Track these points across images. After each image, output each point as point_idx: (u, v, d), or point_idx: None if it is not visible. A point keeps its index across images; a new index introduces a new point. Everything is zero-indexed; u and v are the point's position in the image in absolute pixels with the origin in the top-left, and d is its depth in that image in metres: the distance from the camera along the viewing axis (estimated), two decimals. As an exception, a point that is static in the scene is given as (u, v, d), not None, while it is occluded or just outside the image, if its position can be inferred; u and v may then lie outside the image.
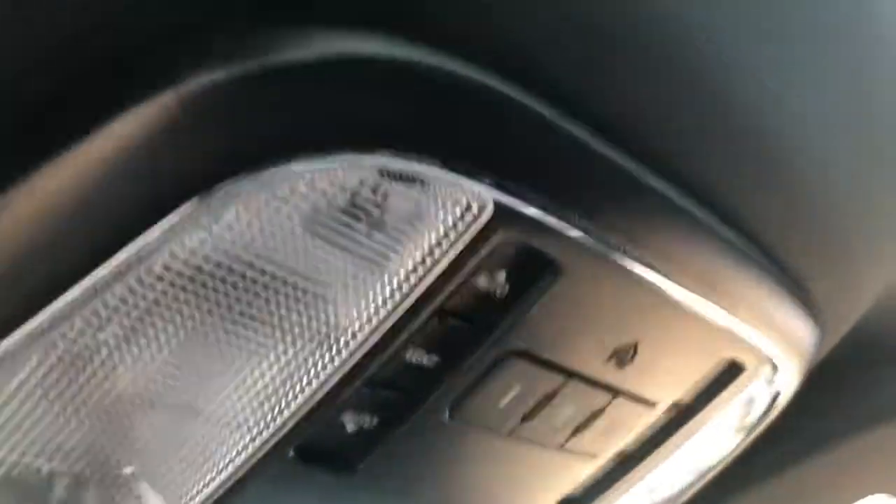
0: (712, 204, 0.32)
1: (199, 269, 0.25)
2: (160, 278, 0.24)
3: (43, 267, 0.23)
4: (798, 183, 0.34)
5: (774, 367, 0.41)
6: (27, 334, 0.23)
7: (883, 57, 0.34)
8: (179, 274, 0.24)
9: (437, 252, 0.27)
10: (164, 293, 0.25)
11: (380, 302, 0.28)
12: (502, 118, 0.26)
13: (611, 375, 0.35)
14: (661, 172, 0.30)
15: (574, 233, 0.29)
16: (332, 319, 0.28)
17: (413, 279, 0.28)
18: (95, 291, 0.23)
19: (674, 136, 0.30)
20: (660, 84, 0.28)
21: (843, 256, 0.39)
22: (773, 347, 0.39)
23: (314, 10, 0.23)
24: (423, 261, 0.28)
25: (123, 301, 0.24)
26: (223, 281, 0.25)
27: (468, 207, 0.26)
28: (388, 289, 0.28)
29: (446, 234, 0.27)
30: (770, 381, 0.42)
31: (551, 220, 0.28)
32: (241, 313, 0.27)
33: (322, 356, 0.29)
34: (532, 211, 0.27)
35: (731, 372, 0.39)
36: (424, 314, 0.29)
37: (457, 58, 0.24)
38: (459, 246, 0.27)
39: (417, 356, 0.31)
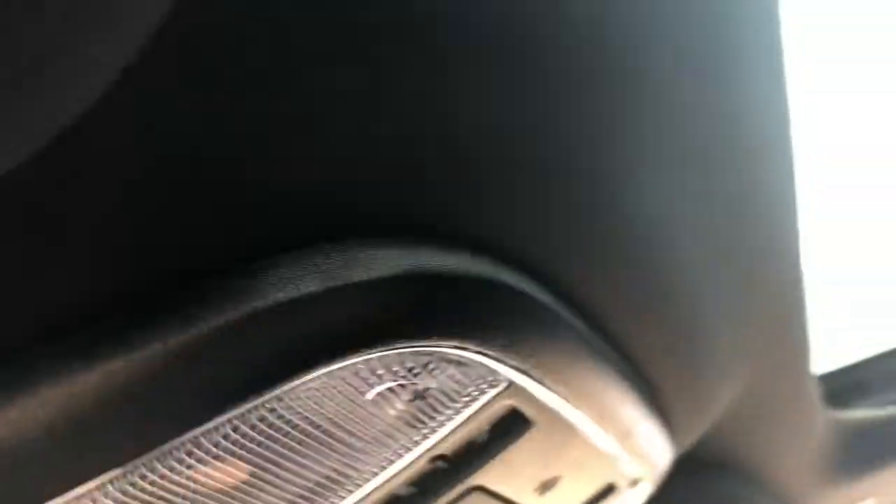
0: (622, 348, 0.41)
1: (270, 424, 0.29)
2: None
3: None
4: (677, 318, 0.43)
5: (636, 484, 0.49)
6: None
7: (758, 191, 0.44)
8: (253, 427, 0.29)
9: (455, 416, 0.33)
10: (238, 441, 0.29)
11: (395, 453, 0.33)
12: (531, 315, 0.33)
13: (533, 501, 0.42)
14: (602, 331, 0.38)
15: (552, 398, 0.36)
16: (350, 468, 0.33)
17: (428, 435, 0.33)
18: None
19: (611, 298, 0.38)
20: (622, 270, 0.37)
21: (700, 382, 0.48)
22: (641, 469, 0.47)
23: (396, 232, 0.29)
24: (442, 422, 0.33)
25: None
26: (283, 435, 0.29)
27: (491, 383, 0.33)
28: (406, 443, 0.33)
29: (467, 402, 0.34)
30: (630, 496, 0.51)
31: (543, 391, 0.35)
32: (280, 461, 0.30)
33: (326, 498, 0.33)
34: (533, 385, 0.34)
35: (606, 492, 0.47)
36: (423, 460, 0.35)
37: (509, 273, 0.32)
38: (473, 410, 0.34)
39: (400, 489, 0.36)
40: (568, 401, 0.37)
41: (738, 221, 0.44)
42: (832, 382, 0.73)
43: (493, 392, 0.33)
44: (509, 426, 0.36)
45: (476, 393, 0.33)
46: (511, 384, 0.34)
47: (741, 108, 0.40)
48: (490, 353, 0.31)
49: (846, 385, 0.75)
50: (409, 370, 0.30)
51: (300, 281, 0.27)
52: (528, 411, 0.36)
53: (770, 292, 0.51)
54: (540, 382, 0.34)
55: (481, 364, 0.31)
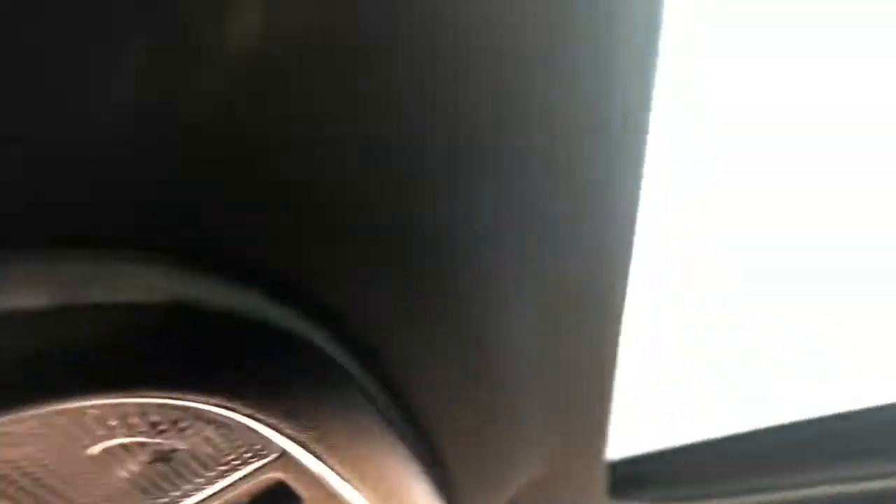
0: (424, 431, 0.36)
1: None
2: None
3: None
4: (488, 407, 0.39)
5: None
6: None
7: (588, 294, 0.40)
8: None
9: (207, 486, 0.28)
10: None
11: None
12: (324, 382, 0.27)
13: None
14: (407, 411, 0.33)
15: (331, 476, 0.31)
16: None
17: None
18: None
19: (425, 376, 0.33)
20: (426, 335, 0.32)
21: (498, 471, 0.44)
22: None
23: (166, 251, 0.22)
24: (189, 491, 0.28)
25: None
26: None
27: (259, 451, 0.27)
28: None
29: (225, 472, 0.28)
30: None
31: (320, 467, 0.30)
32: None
33: None
34: (309, 459, 0.29)
35: None
36: None
37: (307, 328, 0.26)
38: (231, 480, 0.28)
39: None
40: (350, 482, 0.31)
41: (564, 320, 0.40)
42: (618, 472, 0.71)
43: (259, 462, 0.28)
44: (274, 501, 0.31)
45: (238, 462, 0.27)
46: (283, 454, 0.28)
47: (589, 208, 0.36)
48: (263, 418, 0.25)
49: (631, 476, 0.73)
50: (153, 426, 0.24)
51: (16, 291, 0.20)
52: (299, 487, 0.30)
53: (582, 387, 0.47)
54: (319, 458, 0.29)
55: (250, 429, 0.26)
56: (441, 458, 0.38)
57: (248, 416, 0.25)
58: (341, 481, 0.31)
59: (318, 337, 0.27)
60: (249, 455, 0.27)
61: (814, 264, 2.39)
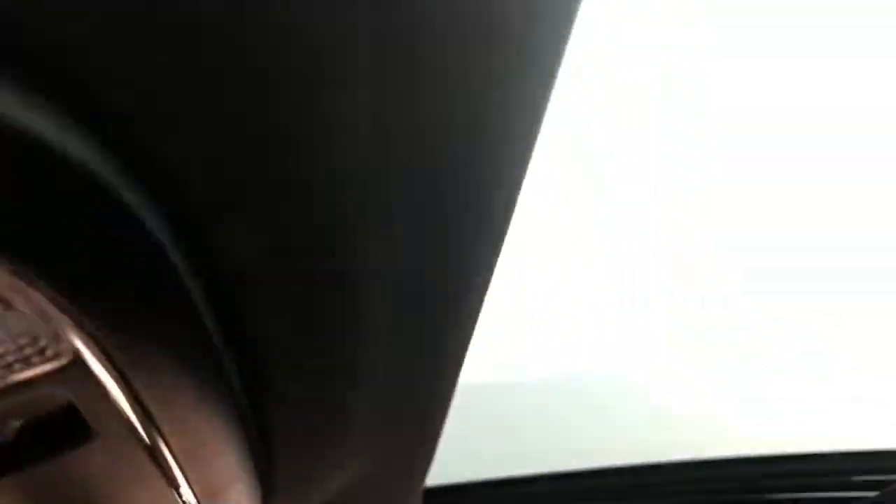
0: (261, 412, 0.33)
1: None
2: None
3: None
4: (331, 404, 0.38)
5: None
6: None
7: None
8: None
9: None
10: None
11: None
12: (166, 294, 0.23)
13: None
14: (235, 366, 0.29)
15: (129, 407, 0.24)
16: None
17: None
18: None
19: (262, 338, 0.29)
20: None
21: (319, 473, 0.42)
22: None
23: None
24: None
25: None
26: None
27: (38, 350, 0.21)
28: None
29: None
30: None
31: (118, 392, 0.24)
32: None
33: None
34: (105, 377, 0.23)
35: None
36: None
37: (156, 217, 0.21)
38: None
39: None
40: (159, 425, 0.25)
41: (415, 335, 0.39)
42: (433, 499, 0.70)
43: (42, 367, 0.21)
44: (60, 430, 0.24)
45: (13, 358, 0.21)
46: (75, 361, 0.21)
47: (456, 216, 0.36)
48: (61, 302, 0.19)
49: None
50: None
51: None
52: (91, 415, 0.23)
53: (415, 410, 0.46)
54: (124, 380, 0.22)
55: (39, 313, 0.19)
56: (266, 438, 0.34)
57: (44, 294, 0.19)
58: (146, 421, 0.25)
59: (166, 238, 0.21)
60: (30, 352, 0.21)
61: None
